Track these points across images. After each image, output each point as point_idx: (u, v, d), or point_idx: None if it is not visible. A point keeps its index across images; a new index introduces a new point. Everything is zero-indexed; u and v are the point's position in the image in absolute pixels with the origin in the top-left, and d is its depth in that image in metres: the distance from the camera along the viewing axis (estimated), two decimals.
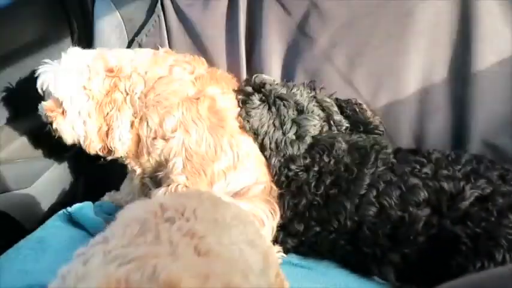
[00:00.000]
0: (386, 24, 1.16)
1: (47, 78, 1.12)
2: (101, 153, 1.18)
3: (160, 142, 1.13)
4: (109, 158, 1.19)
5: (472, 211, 0.95)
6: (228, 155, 1.10)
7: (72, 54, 1.14)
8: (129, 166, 1.22)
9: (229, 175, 1.09)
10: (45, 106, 1.15)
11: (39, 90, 1.14)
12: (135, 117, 1.15)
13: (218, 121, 1.12)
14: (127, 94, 1.14)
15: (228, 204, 0.74)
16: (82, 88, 1.11)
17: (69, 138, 1.16)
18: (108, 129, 1.13)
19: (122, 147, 1.15)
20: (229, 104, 1.16)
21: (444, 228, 0.96)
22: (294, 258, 1.10)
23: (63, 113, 1.14)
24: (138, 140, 1.16)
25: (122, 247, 0.52)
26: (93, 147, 1.15)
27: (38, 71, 1.13)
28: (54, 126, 1.15)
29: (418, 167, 1.04)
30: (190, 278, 0.47)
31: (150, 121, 1.13)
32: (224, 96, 1.17)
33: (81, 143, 1.16)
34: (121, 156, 1.20)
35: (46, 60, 1.13)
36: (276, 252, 0.95)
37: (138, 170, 1.20)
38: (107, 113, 1.12)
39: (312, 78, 1.24)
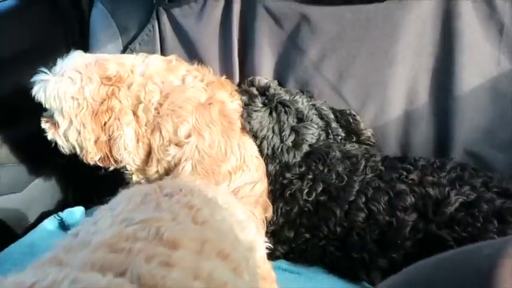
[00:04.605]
0: (374, 37, 1.20)
1: (38, 88, 1.08)
2: (101, 164, 1.13)
3: (173, 149, 1.12)
4: (111, 168, 1.15)
5: (458, 216, 0.98)
6: (237, 156, 1.12)
7: (68, 61, 1.11)
8: (133, 178, 1.19)
9: (234, 176, 1.11)
10: (42, 118, 1.13)
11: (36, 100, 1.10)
12: (147, 127, 1.12)
13: (229, 124, 1.14)
14: (140, 102, 1.11)
15: (218, 189, 0.80)
16: (73, 97, 1.07)
17: (65, 149, 1.13)
18: (110, 139, 1.09)
19: (128, 156, 1.12)
20: (237, 106, 1.19)
21: (430, 232, 0.99)
22: (283, 264, 1.11)
23: (56, 124, 1.10)
24: (149, 150, 1.14)
25: (128, 212, 0.58)
26: (91, 157, 1.10)
27: (32, 80, 1.08)
28: (49, 137, 1.12)
29: (405, 173, 1.08)
30: (189, 240, 0.52)
31: (164, 130, 1.11)
32: (232, 98, 1.20)
33: (78, 153, 1.12)
34: (125, 168, 1.17)
35: (42, 69, 1.09)
36: (264, 242, 0.97)
37: (143, 182, 1.19)
38: (105, 123, 1.08)
39: (302, 89, 1.27)
